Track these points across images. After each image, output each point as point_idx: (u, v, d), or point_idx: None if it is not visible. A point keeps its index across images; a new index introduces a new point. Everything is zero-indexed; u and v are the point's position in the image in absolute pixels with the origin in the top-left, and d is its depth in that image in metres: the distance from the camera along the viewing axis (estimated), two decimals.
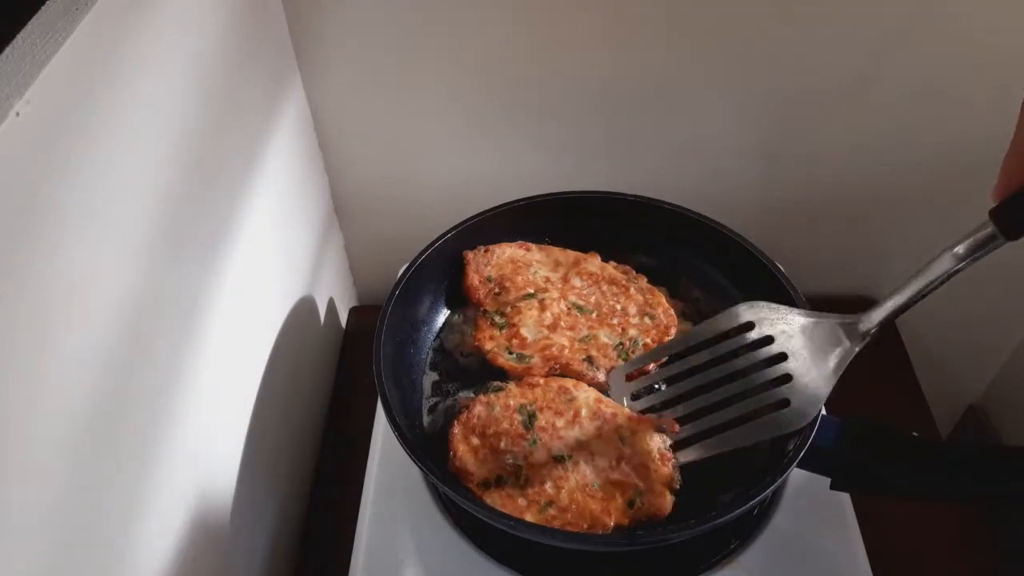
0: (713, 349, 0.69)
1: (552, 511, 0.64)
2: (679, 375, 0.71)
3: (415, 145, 0.96)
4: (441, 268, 0.81)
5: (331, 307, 1.03)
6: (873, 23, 0.81)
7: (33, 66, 0.41)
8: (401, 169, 0.99)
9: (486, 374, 0.75)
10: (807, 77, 0.86)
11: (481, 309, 0.79)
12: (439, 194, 0.99)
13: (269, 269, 0.81)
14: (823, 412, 0.64)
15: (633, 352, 0.75)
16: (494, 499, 0.65)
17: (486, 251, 0.82)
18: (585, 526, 0.64)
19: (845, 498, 0.71)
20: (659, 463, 0.67)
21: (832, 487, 0.63)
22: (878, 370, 0.98)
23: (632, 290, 0.80)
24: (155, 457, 0.55)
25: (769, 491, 0.61)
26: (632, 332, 0.77)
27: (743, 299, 0.79)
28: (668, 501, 0.65)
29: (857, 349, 0.64)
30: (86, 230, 0.46)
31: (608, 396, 0.72)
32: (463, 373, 0.77)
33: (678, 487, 0.66)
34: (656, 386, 0.72)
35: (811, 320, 0.67)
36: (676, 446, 0.67)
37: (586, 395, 0.71)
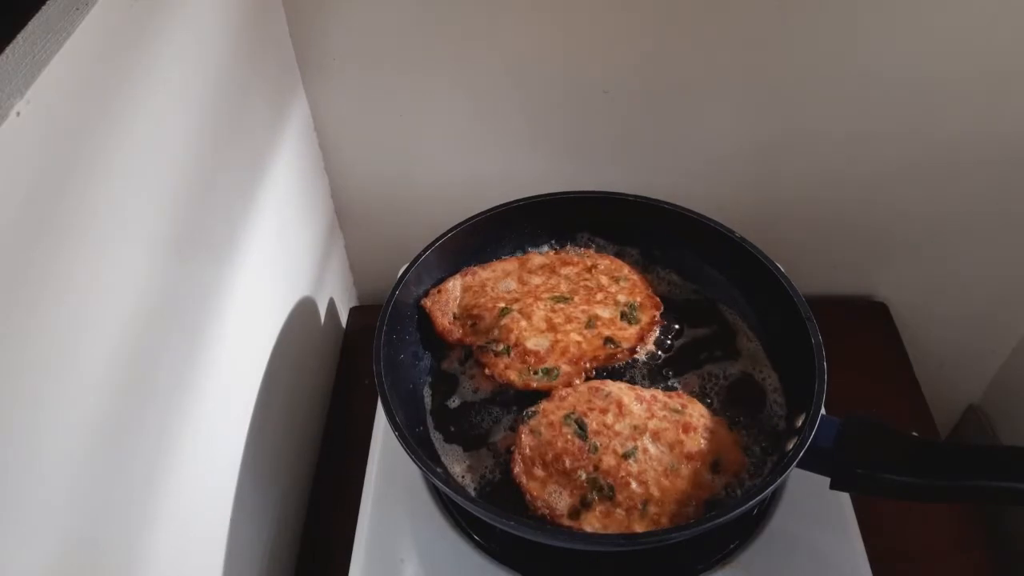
0: None
1: (654, 509, 0.62)
2: None
3: (415, 146, 0.96)
4: (441, 268, 0.81)
5: (331, 307, 1.03)
6: (874, 21, 0.81)
7: (33, 66, 0.41)
8: (401, 170, 0.99)
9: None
10: (807, 77, 0.86)
11: (474, 346, 0.75)
12: (439, 194, 0.99)
13: (270, 270, 0.80)
14: (823, 412, 0.64)
15: (635, 314, 0.74)
16: (593, 524, 0.61)
17: (438, 291, 0.79)
18: (690, 511, 0.61)
19: (845, 498, 0.71)
20: (717, 423, 0.68)
21: (832, 487, 0.63)
22: (878, 370, 0.99)
23: (588, 262, 0.80)
24: (158, 457, 0.55)
25: (769, 491, 0.61)
26: (621, 297, 0.76)
27: (742, 298, 0.80)
28: (742, 454, 0.66)
29: None
30: (88, 231, 0.46)
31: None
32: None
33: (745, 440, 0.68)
34: None
35: None
36: None
37: (618, 386, 0.70)
